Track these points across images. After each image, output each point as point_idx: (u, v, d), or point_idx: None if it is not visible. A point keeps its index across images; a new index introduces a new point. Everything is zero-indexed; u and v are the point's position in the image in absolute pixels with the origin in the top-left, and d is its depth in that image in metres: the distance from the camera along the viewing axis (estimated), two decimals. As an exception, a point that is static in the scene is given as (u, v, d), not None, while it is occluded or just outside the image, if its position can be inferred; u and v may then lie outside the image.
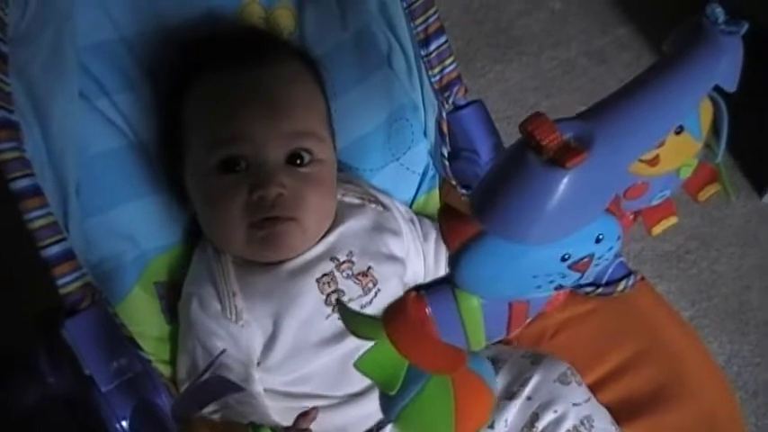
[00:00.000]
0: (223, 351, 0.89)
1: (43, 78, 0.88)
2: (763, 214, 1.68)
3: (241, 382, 0.88)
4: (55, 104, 0.90)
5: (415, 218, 1.11)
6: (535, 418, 0.94)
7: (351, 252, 0.99)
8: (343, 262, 0.98)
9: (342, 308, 0.61)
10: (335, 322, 0.95)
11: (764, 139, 1.63)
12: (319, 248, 0.99)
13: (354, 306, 0.96)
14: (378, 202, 1.07)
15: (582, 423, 0.93)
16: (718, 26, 0.65)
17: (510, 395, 0.96)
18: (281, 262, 0.97)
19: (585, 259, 0.56)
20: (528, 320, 0.63)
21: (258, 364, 0.95)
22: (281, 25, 1.11)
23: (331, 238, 1.00)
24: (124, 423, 0.82)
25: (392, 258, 1.03)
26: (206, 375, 0.80)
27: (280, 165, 0.96)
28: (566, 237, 0.53)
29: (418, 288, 0.59)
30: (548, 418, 0.94)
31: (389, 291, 0.99)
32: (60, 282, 0.81)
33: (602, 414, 0.96)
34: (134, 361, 0.84)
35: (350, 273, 0.98)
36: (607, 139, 0.53)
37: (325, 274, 0.97)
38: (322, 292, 0.96)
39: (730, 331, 1.54)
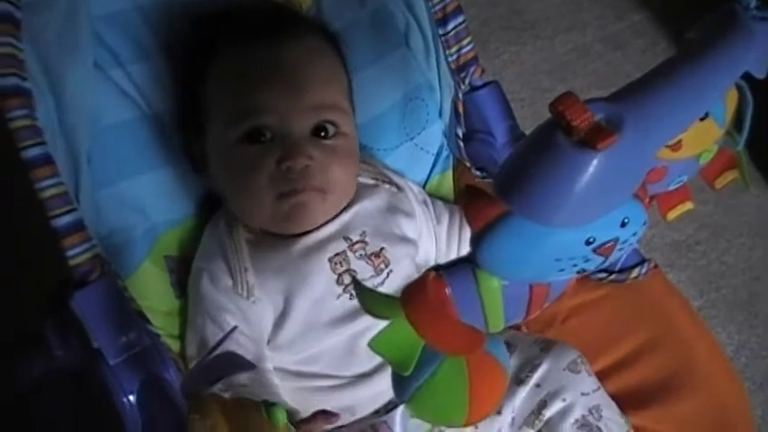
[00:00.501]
0: (235, 328, 0.89)
1: (56, 46, 0.87)
2: (774, 206, 1.67)
3: (251, 359, 0.87)
4: (68, 73, 0.89)
5: (428, 199, 1.10)
6: (543, 405, 0.94)
7: (364, 232, 0.99)
8: (356, 242, 0.98)
9: (358, 286, 0.60)
10: (346, 302, 0.95)
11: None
12: (333, 227, 0.98)
13: (366, 286, 0.95)
14: (392, 182, 1.07)
15: (590, 413, 0.93)
16: (750, 12, 0.64)
17: (518, 381, 0.95)
18: (295, 238, 0.96)
19: (610, 243, 0.56)
20: (547, 304, 0.62)
21: (268, 342, 0.95)
22: (299, -1, 1.10)
23: (345, 218, 0.99)
24: (131, 397, 0.82)
25: (405, 240, 1.02)
26: (217, 351, 0.79)
27: (305, 136, 0.96)
28: (592, 221, 0.53)
29: (438, 268, 0.58)
30: (556, 406, 0.93)
31: (401, 272, 0.98)
32: (70, 253, 0.81)
33: (610, 404, 0.95)
34: (142, 335, 0.84)
35: (362, 253, 0.97)
36: (637, 122, 0.52)
37: (337, 254, 0.96)
38: (334, 272, 0.95)
39: (738, 322, 1.53)
